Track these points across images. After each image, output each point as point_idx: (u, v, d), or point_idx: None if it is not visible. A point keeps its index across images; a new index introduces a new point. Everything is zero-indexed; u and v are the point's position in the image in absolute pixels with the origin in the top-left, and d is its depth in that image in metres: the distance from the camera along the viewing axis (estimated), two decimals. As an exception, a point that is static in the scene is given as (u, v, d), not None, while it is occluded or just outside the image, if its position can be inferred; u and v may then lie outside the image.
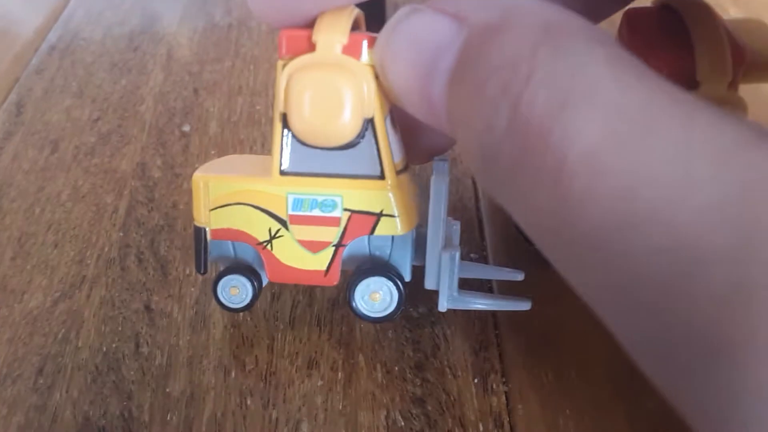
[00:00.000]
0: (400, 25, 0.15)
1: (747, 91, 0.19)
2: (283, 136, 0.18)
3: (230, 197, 0.19)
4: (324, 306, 0.22)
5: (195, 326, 0.21)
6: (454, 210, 0.25)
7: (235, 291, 0.20)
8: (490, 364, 0.20)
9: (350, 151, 0.17)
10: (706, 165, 0.10)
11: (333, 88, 0.16)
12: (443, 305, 0.19)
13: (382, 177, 0.18)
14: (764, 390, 0.09)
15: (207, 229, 0.19)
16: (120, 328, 0.21)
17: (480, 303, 0.20)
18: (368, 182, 0.18)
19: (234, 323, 0.21)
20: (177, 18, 0.37)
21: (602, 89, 0.11)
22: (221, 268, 0.20)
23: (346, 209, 0.18)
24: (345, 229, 0.18)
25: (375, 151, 0.17)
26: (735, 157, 0.10)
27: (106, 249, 0.24)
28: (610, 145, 0.11)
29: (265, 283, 0.20)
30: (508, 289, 0.21)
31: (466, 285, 0.20)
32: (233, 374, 0.20)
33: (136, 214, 0.25)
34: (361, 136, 0.17)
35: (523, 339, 0.20)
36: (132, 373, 0.20)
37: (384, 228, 0.18)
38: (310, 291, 0.22)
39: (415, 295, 0.19)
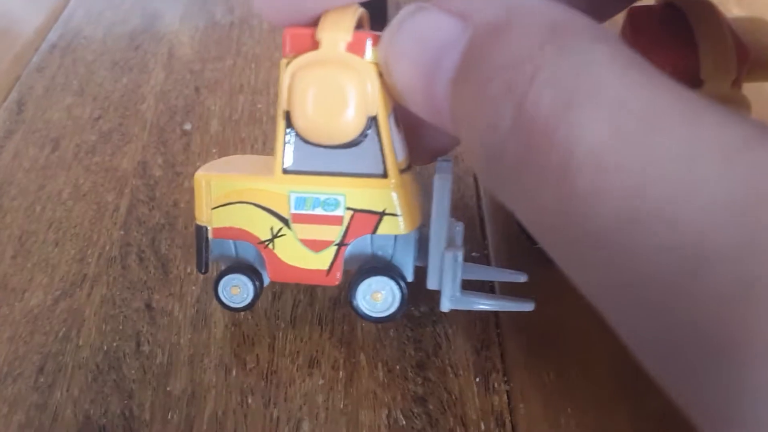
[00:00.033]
0: (404, 23, 0.15)
1: (750, 89, 0.19)
2: (285, 134, 0.17)
3: (232, 196, 0.19)
4: (325, 305, 0.22)
5: (196, 325, 0.21)
6: (456, 208, 0.25)
7: (237, 290, 0.20)
8: (492, 363, 0.20)
9: (353, 149, 0.17)
10: (711, 163, 0.10)
11: (337, 85, 0.16)
12: (445, 305, 0.19)
13: (385, 176, 0.18)
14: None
15: (208, 227, 0.19)
16: (121, 327, 0.21)
17: (482, 303, 0.20)
18: (371, 181, 0.18)
19: (235, 322, 0.21)
20: (178, 16, 0.37)
21: (607, 88, 0.11)
22: (222, 268, 0.20)
23: (348, 208, 0.18)
24: (347, 228, 0.18)
25: (378, 150, 0.17)
26: (741, 155, 0.10)
27: (107, 247, 0.24)
28: (616, 143, 0.11)
29: (266, 283, 0.20)
30: (510, 290, 0.21)
31: (468, 285, 0.20)
32: (234, 373, 0.20)
33: (137, 212, 0.25)
34: (364, 134, 0.17)
35: (525, 338, 0.20)
36: (133, 371, 0.20)
37: (387, 227, 0.18)
38: (311, 290, 0.22)
39: (417, 294, 0.19)
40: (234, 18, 0.37)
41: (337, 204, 0.18)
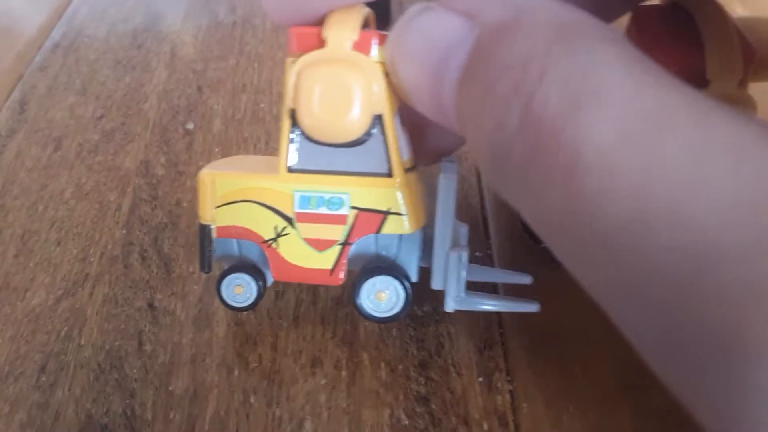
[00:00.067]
0: (411, 22, 0.14)
1: (756, 89, 0.19)
2: (290, 132, 0.17)
3: (236, 194, 0.19)
4: (328, 304, 0.22)
5: (198, 324, 0.21)
6: (459, 208, 0.25)
7: (240, 290, 0.19)
8: (495, 363, 0.20)
9: (358, 148, 0.17)
10: (720, 164, 0.10)
11: (342, 83, 0.16)
12: (450, 305, 0.19)
13: (390, 175, 0.17)
14: None
15: (212, 226, 0.19)
16: (123, 326, 0.21)
17: (487, 304, 0.19)
18: (376, 180, 0.18)
19: (237, 321, 0.21)
20: (181, 16, 0.37)
21: (615, 88, 0.11)
22: (225, 267, 0.20)
23: (353, 207, 0.18)
24: (352, 227, 0.18)
25: (383, 149, 0.17)
26: (749, 156, 0.10)
27: (110, 247, 0.24)
28: (624, 144, 0.11)
29: (269, 282, 0.20)
30: (513, 290, 0.21)
31: (472, 286, 0.19)
32: (236, 372, 0.20)
33: (140, 211, 0.25)
34: (369, 133, 0.17)
35: (528, 338, 0.20)
36: (135, 371, 0.20)
37: (391, 226, 0.18)
38: (314, 289, 0.22)
39: (420, 293, 0.19)
40: (236, 17, 0.37)
41: (341, 203, 0.18)
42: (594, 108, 0.11)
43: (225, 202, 0.19)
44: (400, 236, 0.19)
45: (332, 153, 0.18)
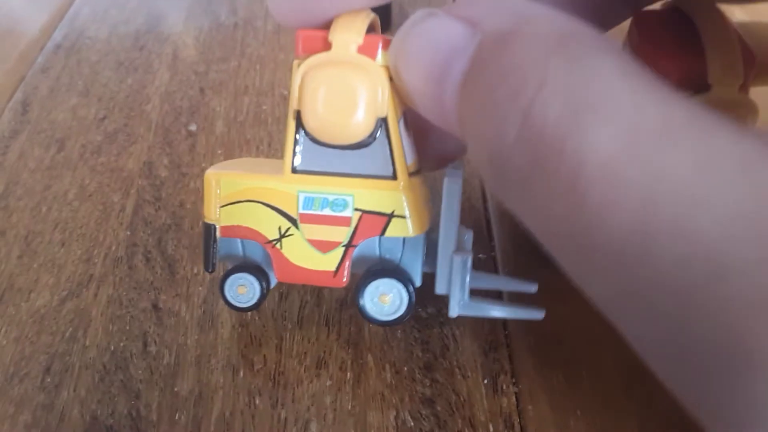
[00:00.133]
0: (415, 27, 0.15)
1: (758, 93, 0.19)
2: (296, 133, 0.18)
3: (241, 194, 0.19)
4: (332, 306, 0.22)
5: (203, 325, 0.21)
6: (462, 210, 0.25)
7: (243, 290, 0.20)
8: (500, 365, 0.20)
9: (363, 150, 0.17)
10: (723, 177, 0.10)
11: (347, 85, 0.16)
12: (454, 310, 0.19)
13: (394, 177, 0.18)
14: None
15: (216, 226, 0.19)
16: (128, 327, 0.21)
17: (492, 310, 0.19)
18: (380, 182, 0.18)
19: (242, 323, 0.21)
20: (182, 17, 0.37)
21: (617, 99, 0.11)
22: (229, 267, 0.20)
23: (357, 209, 0.18)
24: (355, 229, 0.18)
25: (388, 152, 0.17)
26: (752, 169, 0.10)
27: (114, 248, 0.24)
28: (627, 156, 0.11)
29: (273, 283, 0.20)
30: (518, 294, 0.21)
31: (477, 292, 0.19)
32: (242, 374, 0.20)
33: (143, 213, 0.25)
34: (373, 135, 0.17)
35: (533, 340, 0.20)
36: (140, 372, 0.20)
37: (395, 229, 0.18)
38: (318, 291, 0.22)
39: (424, 295, 0.19)
40: (238, 19, 0.37)
41: (345, 205, 0.18)
42: (596, 120, 0.11)
43: (230, 202, 0.19)
44: (404, 240, 0.19)
45: (337, 155, 0.18)
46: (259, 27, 0.36)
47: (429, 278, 0.19)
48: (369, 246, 0.19)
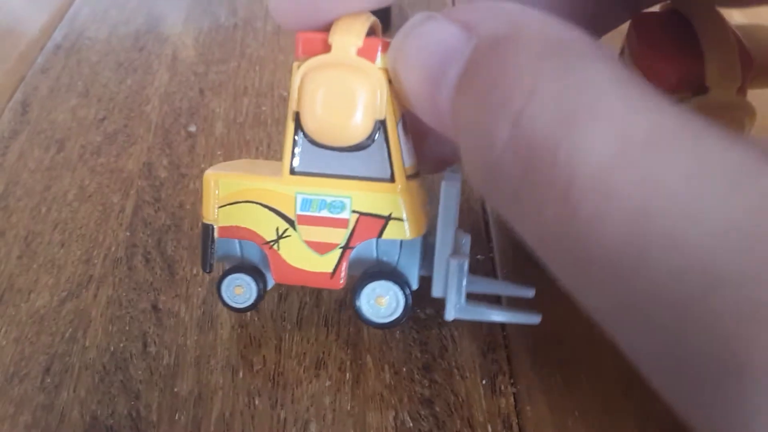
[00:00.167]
0: (414, 30, 0.15)
1: (755, 96, 0.19)
2: (294, 135, 0.18)
3: (239, 195, 0.19)
4: (331, 307, 0.22)
5: (202, 326, 0.21)
6: (460, 211, 0.25)
7: (240, 290, 0.20)
8: (498, 366, 0.20)
9: (361, 152, 0.18)
10: (718, 188, 0.10)
11: (346, 87, 0.16)
12: (450, 314, 0.19)
13: (392, 180, 0.18)
14: None
15: (214, 226, 0.19)
16: (127, 328, 0.21)
17: (487, 314, 0.19)
18: (378, 185, 0.18)
19: (241, 323, 0.21)
20: (182, 18, 0.37)
21: (610, 108, 0.11)
22: (226, 267, 0.20)
23: (354, 211, 0.18)
24: (353, 231, 0.18)
25: (386, 154, 0.17)
26: (744, 181, 0.10)
27: (113, 248, 0.24)
28: (620, 166, 0.11)
29: (270, 285, 0.20)
30: (516, 297, 0.21)
31: (475, 296, 0.19)
32: (241, 374, 0.20)
33: (143, 213, 0.26)
34: (372, 138, 0.17)
35: (531, 340, 0.21)
36: (140, 372, 0.20)
37: (392, 232, 0.18)
38: (317, 292, 0.22)
39: (423, 296, 0.19)
40: (238, 20, 0.37)
41: (343, 206, 0.18)
42: (587, 129, 0.11)
43: (228, 203, 0.19)
44: (401, 243, 0.19)
45: (335, 157, 0.18)
46: (259, 28, 0.36)
47: (427, 280, 0.19)
48: (366, 248, 0.19)
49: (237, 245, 0.20)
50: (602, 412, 0.19)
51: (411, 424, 0.19)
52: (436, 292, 0.19)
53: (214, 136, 0.29)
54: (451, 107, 0.14)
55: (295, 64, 0.17)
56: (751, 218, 0.10)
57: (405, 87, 0.15)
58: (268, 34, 0.35)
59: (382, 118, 0.17)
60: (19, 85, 0.33)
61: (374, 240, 0.18)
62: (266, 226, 0.19)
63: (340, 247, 0.18)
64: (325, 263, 0.19)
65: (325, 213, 0.18)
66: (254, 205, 0.19)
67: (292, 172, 0.18)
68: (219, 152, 0.28)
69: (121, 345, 0.21)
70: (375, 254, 0.19)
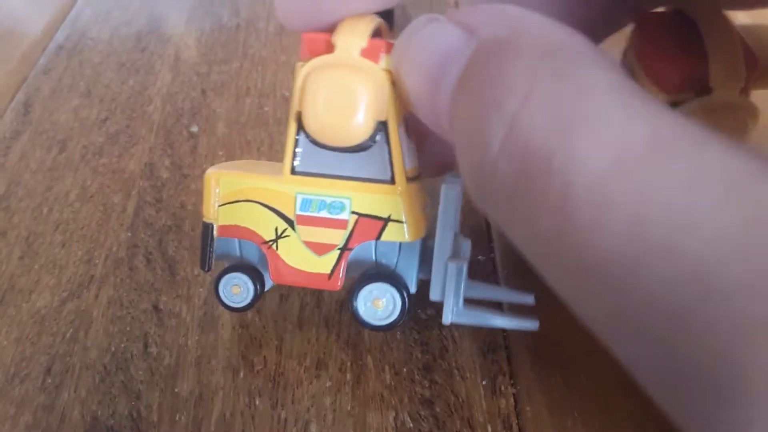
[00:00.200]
0: (417, 32, 0.15)
1: (759, 97, 0.19)
2: (296, 135, 0.18)
3: (240, 194, 0.19)
4: (332, 308, 0.22)
5: (203, 327, 0.21)
6: (461, 213, 0.25)
7: (237, 289, 0.19)
8: (499, 366, 0.20)
9: (362, 153, 0.18)
10: (715, 197, 0.10)
11: (348, 87, 0.16)
12: (447, 317, 0.18)
13: (392, 182, 0.18)
14: None
15: (214, 225, 0.19)
16: (128, 328, 0.21)
17: (485, 319, 0.19)
18: (378, 186, 0.18)
19: (242, 324, 0.21)
20: (184, 19, 0.37)
21: (607, 115, 0.11)
22: (225, 266, 0.20)
23: (353, 212, 0.18)
24: (352, 232, 0.18)
25: (387, 156, 0.17)
26: (743, 190, 0.10)
27: (114, 249, 0.24)
28: (616, 175, 0.11)
29: (268, 285, 0.20)
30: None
31: (473, 300, 0.19)
32: (242, 375, 0.20)
33: (144, 214, 0.26)
34: (373, 139, 0.17)
35: (532, 341, 0.20)
36: (140, 373, 0.20)
37: (391, 234, 0.18)
38: (318, 293, 0.22)
39: (424, 297, 0.19)
40: (240, 20, 0.37)
41: (342, 207, 0.18)
42: (584, 136, 0.11)
43: (228, 201, 0.19)
44: (400, 245, 0.19)
45: (336, 157, 0.18)
46: (261, 28, 0.36)
47: (426, 284, 0.19)
48: (365, 250, 0.19)
49: (236, 244, 0.20)
50: (602, 412, 0.19)
51: (411, 425, 0.19)
52: (434, 295, 0.19)
53: (216, 136, 0.29)
54: (449, 107, 0.14)
55: (299, 64, 0.17)
56: (747, 229, 0.10)
57: (406, 87, 0.15)
58: (271, 34, 0.35)
59: (383, 119, 0.17)
60: (21, 85, 0.33)
61: (373, 242, 0.18)
62: (265, 225, 0.19)
63: (339, 248, 0.18)
64: (323, 264, 0.19)
65: (324, 213, 0.18)
66: (254, 204, 0.19)
67: (293, 171, 0.18)
68: (221, 153, 0.28)
69: (122, 345, 0.21)
70: (374, 256, 0.19)
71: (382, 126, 0.17)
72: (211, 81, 0.32)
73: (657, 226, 0.10)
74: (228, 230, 0.19)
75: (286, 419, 0.19)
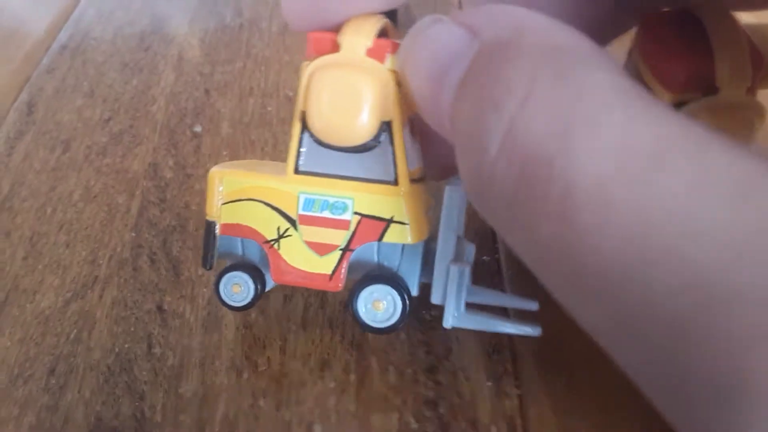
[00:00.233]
0: (421, 33, 0.15)
1: (766, 96, 0.19)
2: (301, 134, 0.18)
3: (243, 193, 0.19)
4: (336, 308, 0.22)
5: (207, 327, 0.21)
6: (466, 213, 0.25)
7: (237, 288, 0.19)
8: (503, 367, 0.20)
9: (366, 154, 0.17)
10: (719, 202, 0.10)
11: (353, 87, 0.16)
12: (448, 321, 0.18)
13: (395, 183, 0.18)
14: None
15: (217, 223, 0.19)
16: (132, 329, 0.21)
17: (487, 324, 0.19)
18: (381, 187, 0.18)
19: (246, 324, 0.21)
20: (187, 18, 0.37)
21: (609, 118, 0.11)
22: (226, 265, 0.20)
23: (356, 213, 0.18)
24: (354, 233, 0.18)
25: (390, 157, 0.17)
26: (748, 194, 0.10)
27: (119, 249, 0.24)
28: (619, 178, 0.10)
29: (269, 285, 0.20)
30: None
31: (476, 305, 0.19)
32: (245, 375, 0.20)
33: (148, 214, 0.25)
34: (377, 139, 0.17)
35: (536, 342, 0.20)
36: (144, 373, 0.20)
37: (393, 235, 0.18)
38: (322, 293, 0.22)
39: (427, 297, 0.19)
40: (243, 20, 0.37)
41: (345, 208, 0.18)
42: (586, 139, 0.11)
43: (231, 200, 0.19)
44: (403, 247, 0.18)
45: (340, 157, 0.18)
46: (265, 28, 0.36)
47: (429, 287, 0.19)
48: (367, 252, 0.18)
49: (239, 243, 0.20)
50: (606, 414, 0.18)
51: (415, 426, 0.18)
52: (436, 298, 0.18)
53: (220, 136, 0.29)
54: (451, 108, 0.14)
55: (304, 63, 0.17)
56: (750, 234, 0.09)
57: (411, 86, 0.15)
58: (274, 34, 0.35)
59: (388, 119, 0.17)
60: (24, 85, 0.33)
61: (375, 244, 0.18)
62: (268, 224, 0.19)
63: (340, 249, 0.18)
64: (325, 265, 0.18)
65: (326, 214, 0.18)
66: (257, 203, 0.19)
67: (297, 171, 0.18)
68: (224, 152, 0.28)
69: (126, 346, 0.21)
70: (376, 258, 0.19)
71: (387, 126, 0.17)
72: (214, 81, 0.32)
73: (659, 232, 0.10)
74: (230, 229, 0.19)
75: (290, 420, 0.19)
